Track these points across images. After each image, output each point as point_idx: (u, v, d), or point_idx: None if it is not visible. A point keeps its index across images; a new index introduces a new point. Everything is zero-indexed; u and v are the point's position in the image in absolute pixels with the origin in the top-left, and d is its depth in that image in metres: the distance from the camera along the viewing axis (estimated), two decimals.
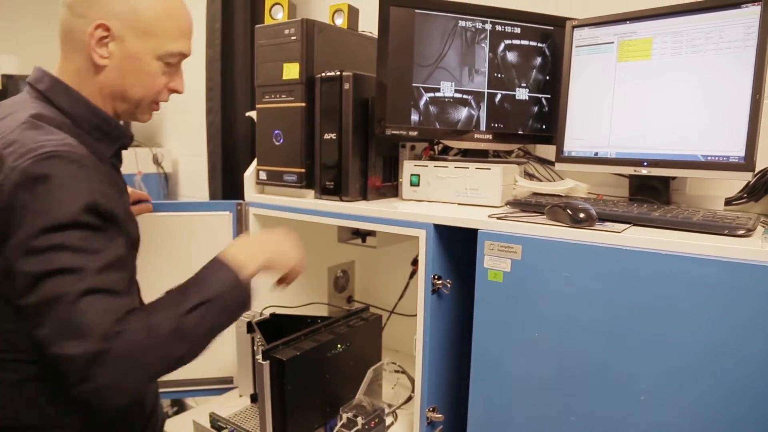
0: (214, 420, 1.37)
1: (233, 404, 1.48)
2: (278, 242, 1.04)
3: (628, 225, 1.02)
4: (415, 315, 1.20)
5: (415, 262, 1.62)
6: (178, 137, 2.87)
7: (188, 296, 0.87)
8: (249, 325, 1.41)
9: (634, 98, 1.22)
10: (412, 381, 1.49)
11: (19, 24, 3.38)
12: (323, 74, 1.35)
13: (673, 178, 1.24)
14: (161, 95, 1.03)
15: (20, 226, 0.78)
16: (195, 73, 2.70)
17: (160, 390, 1.61)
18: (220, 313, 0.89)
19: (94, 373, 0.75)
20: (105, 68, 0.94)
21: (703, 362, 0.86)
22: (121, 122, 1.04)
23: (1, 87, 2.89)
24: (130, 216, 1.02)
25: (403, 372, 1.54)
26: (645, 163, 1.20)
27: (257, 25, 1.45)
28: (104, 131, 0.98)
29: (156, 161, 2.78)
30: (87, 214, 0.80)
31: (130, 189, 1.44)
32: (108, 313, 0.77)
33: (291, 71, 1.37)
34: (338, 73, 1.32)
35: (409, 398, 1.45)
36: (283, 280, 1.10)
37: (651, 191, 1.25)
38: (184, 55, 1.02)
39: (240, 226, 1.55)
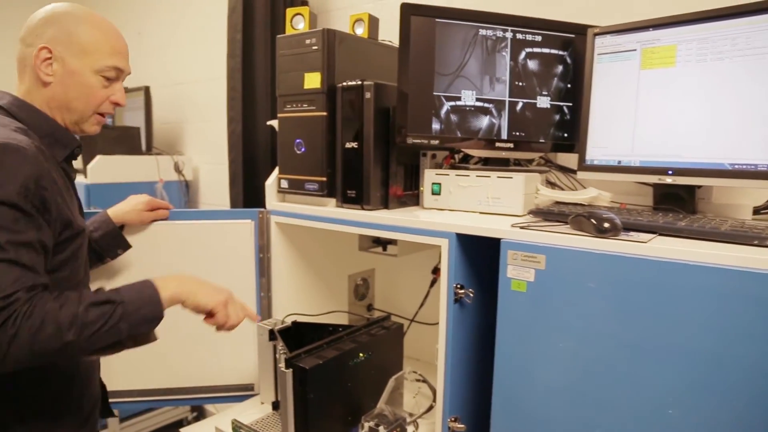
0: (237, 427, 1.38)
1: (255, 411, 1.49)
2: (207, 285, 1.10)
3: (654, 235, 1.01)
4: (436, 323, 1.20)
5: (435, 271, 1.62)
6: (200, 145, 2.90)
7: (101, 294, 0.97)
8: (271, 332, 1.42)
9: (658, 106, 1.21)
10: (434, 390, 1.48)
11: None
12: (344, 83, 1.35)
13: (699, 186, 1.22)
14: (103, 107, 1.15)
15: None
16: (216, 83, 2.74)
17: (179, 397, 1.63)
18: (121, 318, 0.95)
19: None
20: (51, 84, 1.08)
21: (733, 376, 0.84)
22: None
23: None
24: (71, 213, 1.08)
25: (425, 381, 1.53)
26: (670, 172, 1.19)
27: (279, 36, 1.46)
28: (55, 137, 1.11)
29: (177, 169, 2.81)
30: (21, 198, 0.92)
31: (148, 197, 1.46)
32: (18, 282, 0.89)
33: (312, 81, 1.38)
34: (359, 82, 1.32)
35: (431, 407, 1.44)
36: (212, 318, 1.11)
37: (676, 200, 1.23)
38: (119, 70, 1.15)
39: (262, 234, 1.56)
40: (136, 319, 0.97)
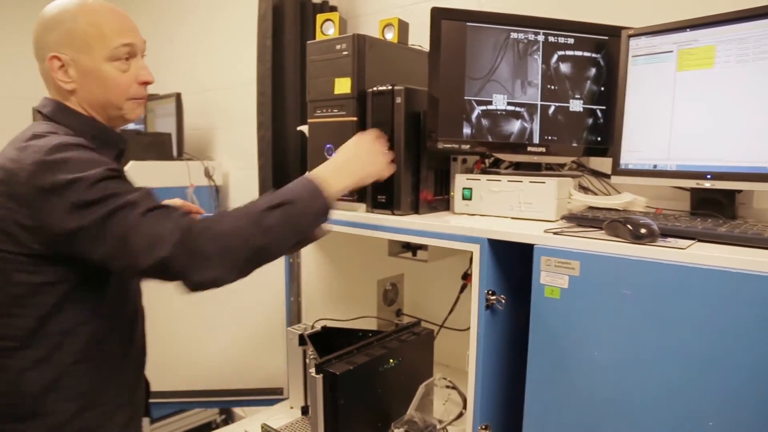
0: (266, 431, 1.38)
1: (284, 416, 1.49)
2: (367, 164, 1.16)
3: (693, 241, 0.98)
4: (466, 329, 1.19)
5: (465, 276, 1.61)
6: (230, 151, 2.94)
7: (268, 198, 0.99)
8: (301, 337, 1.42)
9: (695, 108, 1.18)
10: (463, 397, 1.47)
11: None
12: (375, 89, 1.35)
13: (739, 191, 1.19)
14: (133, 91, 1.12)
15: (59, 196, 0.91)
16: (246, 89, 2.77)
17: (209, 399, 1.64)
18: (299, 216, 0.99)
19: (184, 251, 0.89)
20: (75, 90, 1.07)
21: None
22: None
23: None
24: None
25: (454, 388, 1.52)
26: (708, 176, 1.16)
27: (309, 41, 1.47)
28: (102, 139, 1.10)
29: (207, 174, 2.85)
30: (110, 171, 0.95)
31: (180, 201, 1.48)
32: (171, 219, 0.92)
33: (343, 86, 1.38)
34: (390, 87, 1.32)
35: (460, 415, 1.43)
36: None
37: (714, 205, 1.20)
38: (130, 45, 1.10)
39: None
40: (312, 214, 1.02)
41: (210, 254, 0.91)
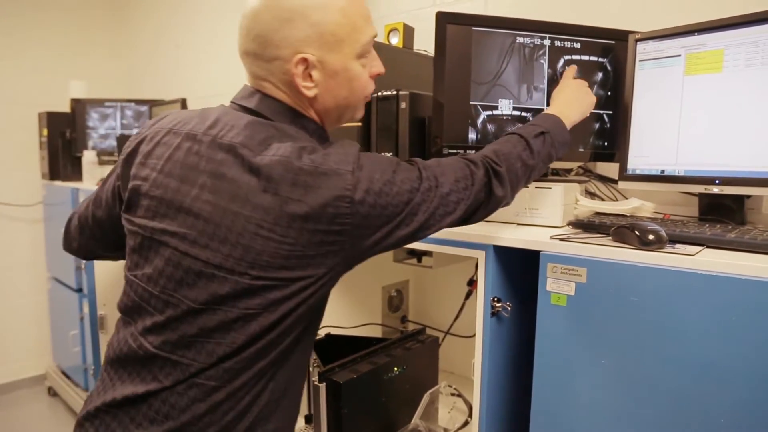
0: None
1: None
2: (585, 101, 1.22)
3: (702, 247, 0.96)
4: (471, 336, 1.17)
5: (470, 283, 1.59)
6: None
7: (530, 128, 1.07)
8: None
9: (703, 113, 1.17)
10: (469, 405, 1.45)
11: (87, 52, 3.55)
12: (379, 93, 1.34)
13: (749, 196, 1.17)
14: (369, 88, 0.99)
15: (392, 212, 0.86)
16: None
17: None
18: (552, 145, 1.08)
19: (501, 189, 0.98)
20: (316, 96, 0.93)
21: None
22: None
23: (70, 110, 3.03)
24: None
25: (460, 395, 1.50)
26: (717, 181, 1.15)
27: None
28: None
29: None
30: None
31: None
32: (470, 168, 0.97)
33: None
34: (395, 92, 1.31)
35: (466, 423, 1.41)
36: None
37: (723, 210, 1.18)
38: (374, 37, 0.97)
39: None
40: (559, 144, 1.10)
41: (501, 173, 0.98)
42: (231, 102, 0.98)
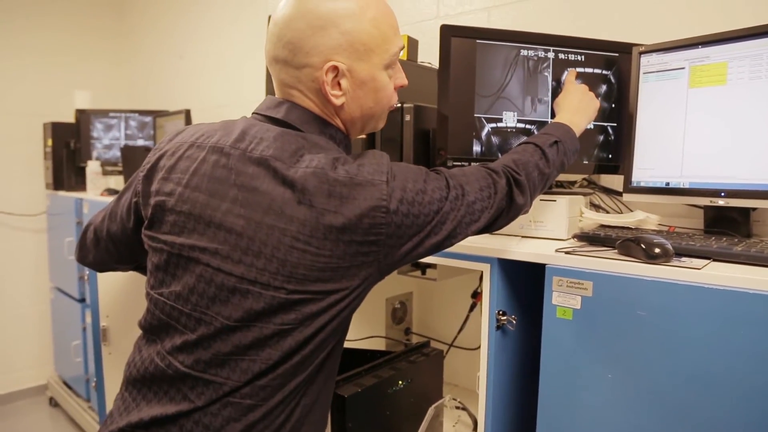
0: None
1: None
2: (590, 107, 1.25)
3: (708, 261, 0.96)
4: (476, 348, 1.17)
5: (475, 295, 1.59)
6: None
7: (544, 138, 1.10)
8: None
9: (708, 125, 1.17)
10: (474, 419, 1.44)
11: (92, 63, 3.56)
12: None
13: (754, 209, 1.17)
14: (394, 98, 1.00)
15: (424, 221, 0.87)
16: (256, 104, 2.77)
17: None
18: (564, 153, 1.11)
19: (522, 198, 1.01)
20: (343, 105, 0.93)
21: None
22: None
23: (74, 120, 3.05)
24: None
25: (465, 409, 1.49)
26: (722, 194, 1.14)
27: None
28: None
29: None
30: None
31: None
32: (492, 177, 0.99)
33: None
34: (399, 104, 1.31)
35: None
36: None
37: (729, 223, 1.18)
38: (402, 48, 0.98)
39: None
40: (570, 152, 1.13)
41: (522, 182, 1.01)
42: (254, 113, 0.97)
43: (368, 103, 0.94)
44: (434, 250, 0.91)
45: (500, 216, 0.99)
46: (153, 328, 0.91)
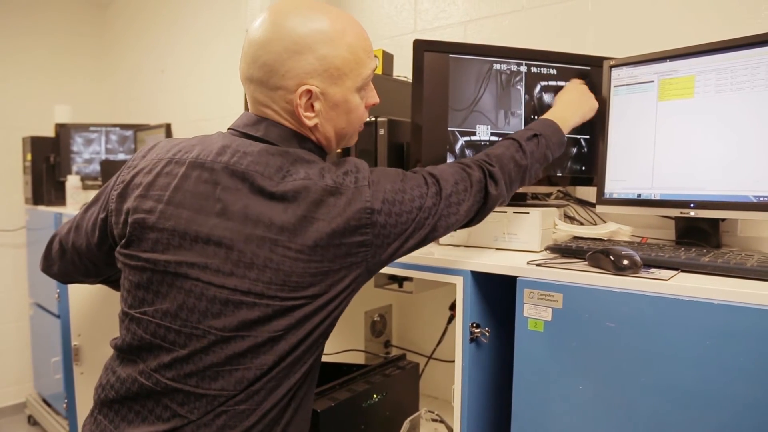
0: None
1: None
2: (585, 103, 1.28)
3: (676, 272, 0.97)
4: (453, 361, 1.16)
5: (453, 307, 1.59)
6: None
7: (522, 133, 1.13)
8: None
9: (677, 137, 1.18)
10: (451, 431, 1.43)
11: (72, 77, 3.55)
12: None
13: (723, 219, 1.18)
14: (364, 117, 1.02)
15: (407, 218, 0.91)
16: (235, 118, 2.78)
17: None
18: (547, 146, 1.13)
19: (496, 189, 1.03)
20: (316, 125, 0.94)
21: (762, 421, 0.80)
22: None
23: (54, 134, 3.02)
24: None
25: (441, 421, 1.49)
26: (692, 205, 1.16)
27: None
28: None
29: None
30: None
31: None
32: (466, 171, 1.01)
33: None
34: (373, 118, 1.32)
35: None
36: None
37: (699, 234, 1.19)
38: (375, 69, 0.99)
39: None
40: (554, 145, 1.15)
41: (495, 173, 1.03)
42: (231, 129, 0.97)
43: (341, 123, 0.96)
44: (420, 245, 0.96)
45: (479, 208, 1.03)
46: (133, 349, 0.90)
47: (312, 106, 0.91)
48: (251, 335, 0.84)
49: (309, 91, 0.90)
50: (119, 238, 0.93)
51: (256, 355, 0.85)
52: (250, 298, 0.84)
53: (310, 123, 0.92)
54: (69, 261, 1.09)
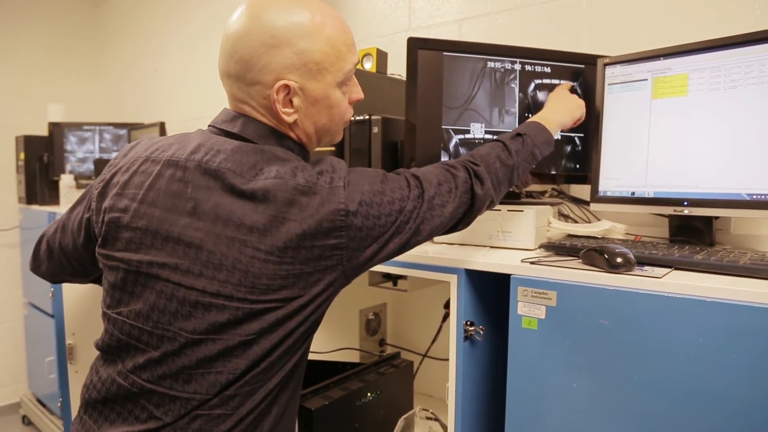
0: None
1: None
2: (571, 103, 1.25)
3: (670, 269, 0.97)
4: (447, 359, 1.16)
5: (447, 305, 1.58)
6: None
7: (505, 135, 1.11)
8: None
9: (671, 136, 1.19)
10: (445, 428, 1.43)
11: (66, 76, 3.53)
12: (352, 118, 1.34)
13: (716, 217, 1.18)
14: (349, 113, 0.99)
15: (386, 221, 0.87)
16: None
17: None
18: (534, 145, 1.10)
19: (482, 189, 0.99)
20: (295, 122, 0.92)
21: (754, 418, 0.80)
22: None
23: (48, 133, 3.01)
24: None
25: (436, 419, 1.49)
26: (685, 203, 1.16)
27: None
28: None
29: None
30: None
31: None
32: (451, 172, 0.99)
33: None
34: (367, 117, 1.32)
35: None
36: None
37: (693, 232, 1.19)
38: (357, 64, 0.97)
39: None
40: (541, 143, 1.12)
41: (481, 173, 1.00)
42: (210, 126, 0.96)
43: (322, 120, 0.94)
44: (401, 250, 0.92)
45: (466, 210, 0.99)
46: (112, 349, 0.89)
47: (291, 101, 0.89)
48: (222, 338, 0.83)
49: (287, 86, 0.87)
50: (97, 237, 0.93)
51: (229, 358, 0.83)
52: (220, 300, 0.82)
53: (288, 119, 0.90)
54: (57, 261, 1.08)
